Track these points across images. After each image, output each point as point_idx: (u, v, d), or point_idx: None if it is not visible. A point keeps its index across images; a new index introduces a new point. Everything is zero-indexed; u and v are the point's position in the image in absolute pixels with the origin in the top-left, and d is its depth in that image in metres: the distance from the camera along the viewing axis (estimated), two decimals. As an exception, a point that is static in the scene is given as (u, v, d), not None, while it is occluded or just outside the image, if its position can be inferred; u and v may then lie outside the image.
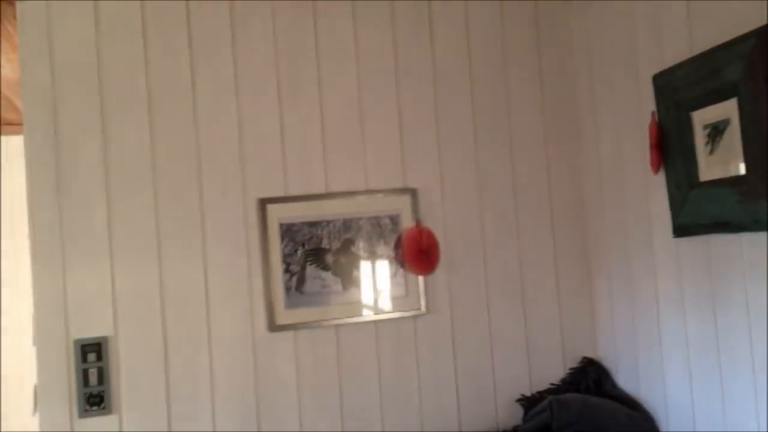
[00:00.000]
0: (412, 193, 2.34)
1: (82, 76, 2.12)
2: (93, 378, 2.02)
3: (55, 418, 2.02)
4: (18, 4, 2.08)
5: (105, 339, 2.06)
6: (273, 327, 2.20)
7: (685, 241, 1.99)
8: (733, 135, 1.76)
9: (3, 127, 3.86)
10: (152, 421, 2.08)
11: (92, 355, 2.03)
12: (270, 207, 2.22)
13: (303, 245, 2.25)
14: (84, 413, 2.02)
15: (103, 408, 2.03)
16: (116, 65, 2.15)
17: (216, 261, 2.18)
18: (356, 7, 2.35)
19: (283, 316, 2.22)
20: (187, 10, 2.21)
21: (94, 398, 2.02)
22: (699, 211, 1.92)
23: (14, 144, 4.08)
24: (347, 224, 2.30)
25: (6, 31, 2.69)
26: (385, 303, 2.31)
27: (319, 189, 2.27)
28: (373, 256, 2.31)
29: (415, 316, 2.32)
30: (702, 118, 1.89)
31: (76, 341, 2.04)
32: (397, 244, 2.31)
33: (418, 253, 2.30)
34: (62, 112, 2.10)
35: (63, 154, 2.09)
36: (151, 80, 2.17)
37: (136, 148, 2.15)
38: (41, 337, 2.03)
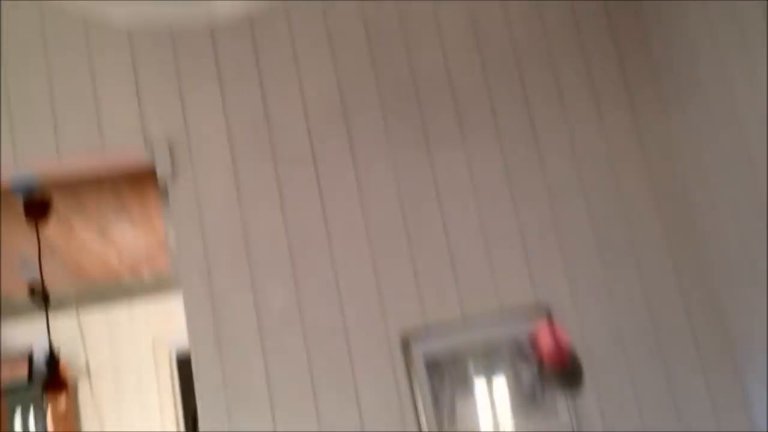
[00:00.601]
0: (546, 310, 2.37)
1: (230, 239, 2.31)
2: None
3: None
4: (170, 187, 2.32)
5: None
6: (432, 466, 2.20)
7: None
8: None
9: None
10: None
11: None
12: (414, 345, 2.28)
13: (449, 377, 2.28)
14: None
15: None
16: (258, 226, 2.33)
17: (369, 405, 2.22)
18: (468, 148, 2.50)
19: (441, 453, 2.21)
20: (315, 166, 2.41)
21: None
22: None
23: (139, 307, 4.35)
24: (488, 350, 2.33)
25: (146, 210, 2.99)
26: (538, 425, 2.28)
27: (455, 313, 2.34)
28: (518, 379, 2.31)
29: (570, 436, 2.28)
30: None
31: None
32: (536, 349, 2.28)
33: (556, 348, 2.24)
34: (214, 274, 2.28)
35: (219, 314, 2.24)
36: (291, 236, 2.34)
37: (285, 301, 2.28)
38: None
